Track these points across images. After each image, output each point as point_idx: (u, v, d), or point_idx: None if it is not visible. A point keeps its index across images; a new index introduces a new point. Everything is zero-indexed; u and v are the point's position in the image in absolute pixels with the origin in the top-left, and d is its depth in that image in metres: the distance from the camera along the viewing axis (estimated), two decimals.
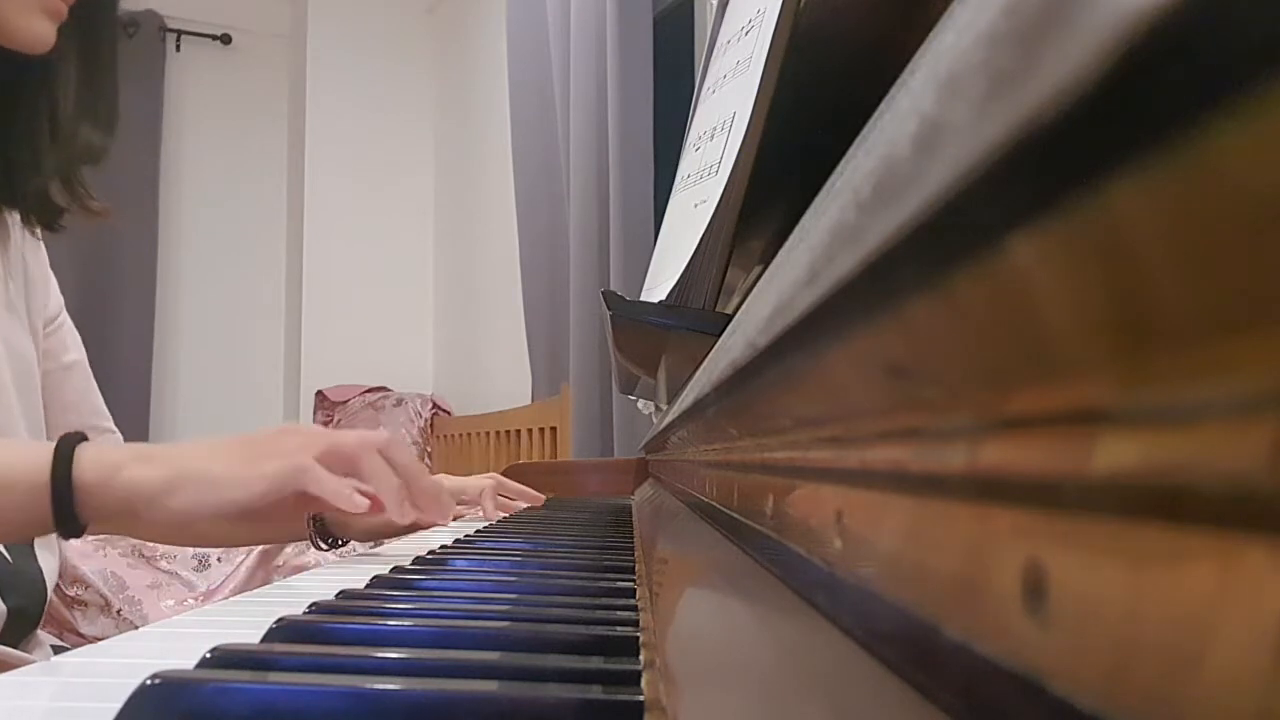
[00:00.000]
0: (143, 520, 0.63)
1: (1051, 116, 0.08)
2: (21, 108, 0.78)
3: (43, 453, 0.62)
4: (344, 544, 0.81)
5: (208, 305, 3.67)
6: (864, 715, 0.16)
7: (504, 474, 1.72)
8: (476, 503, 1.21)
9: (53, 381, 0.87)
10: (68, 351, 0.91)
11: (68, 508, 0.61)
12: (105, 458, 0.63)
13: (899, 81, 0.14)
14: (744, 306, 0.28)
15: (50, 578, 0.82)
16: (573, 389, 2.15)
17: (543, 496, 1.28)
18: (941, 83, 0.11)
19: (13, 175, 0.79)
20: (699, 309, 0.54)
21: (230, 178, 3.71)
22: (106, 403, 0.96)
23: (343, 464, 0.68)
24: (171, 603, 1.74)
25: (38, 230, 0.83)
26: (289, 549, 1.67)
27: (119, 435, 0.96)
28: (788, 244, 0.21)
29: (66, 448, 0.62)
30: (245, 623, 0.43)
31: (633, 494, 1.44)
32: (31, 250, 0.86)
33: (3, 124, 0.78)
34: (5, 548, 0.74)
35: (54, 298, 0.90)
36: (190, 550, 1.77)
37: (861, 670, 0.16)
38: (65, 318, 0.92)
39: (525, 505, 1.25)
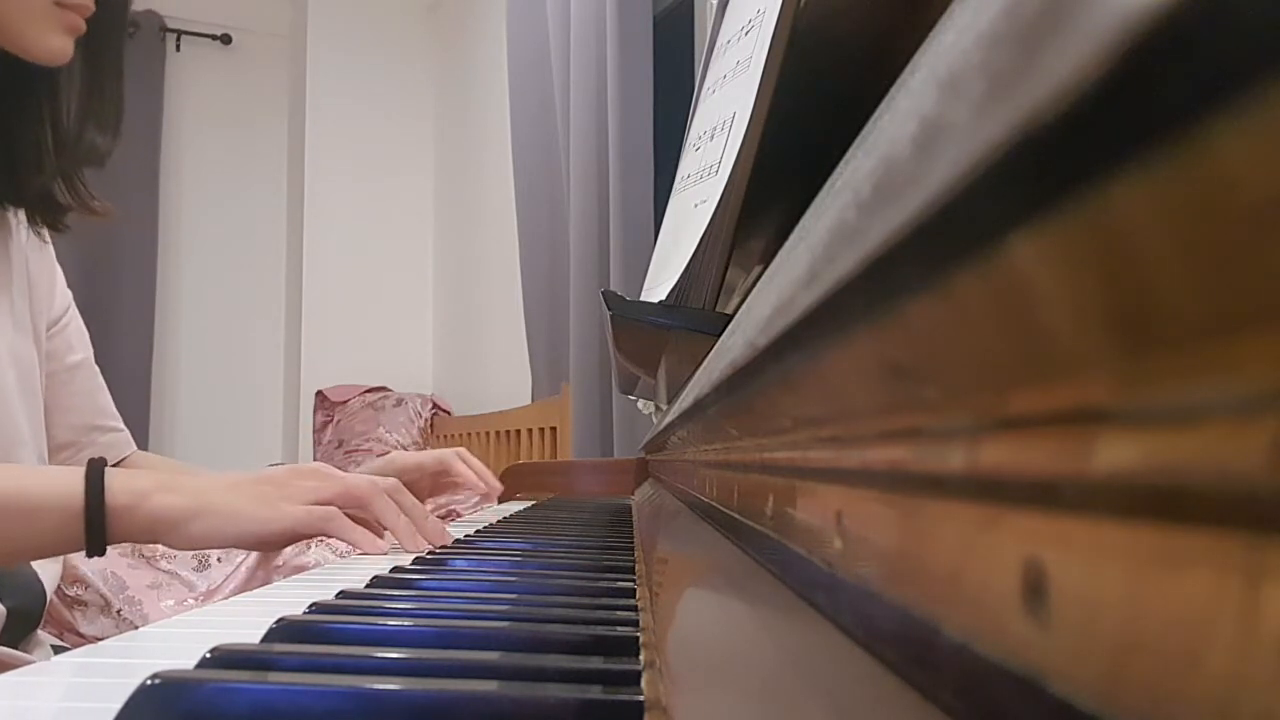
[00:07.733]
0: (165, 542, 0.69)
1: (1051, 117, 0.08)
2: (27, 109, 0.79)
3: (72, 479, 0.66)
4: None
5: (208, 305, 3.67)
6: (864, 715, 0.16)
7: (503, 474, 1.71)
8: (443, 472, 1.03)
9: (56, 383, 0.87)
10: (73, 352, 0.90)
11: (99, 531, 0.66)
12: (134, 485, 0.68)
13: (899, 81, 0.14)
14: (744, 306, 0.28)
15: (50, 583, 0.81)
16: (573, 389, 2.15)
17: (496, 488, 1.08)
18: (941, 83, 0.11)
19: (16, 175, 0.80)
20: (699, 309, 0.54)
21: (230, 178, 3.71)
22: None
23: (355, 504, 0.73)
24: (171, 603, 1.74)
25: (43, 231, 0.84)
26: (289, 549, 1.67)
27: (127, 434, 0.95)
28: (788, 244, 0.21)
29: (96, 475, 0.67)
30: (245, 623, 0.43)
31: (633, 494, 1.44)
32: (35, 249, 0.86)
33: (8, 125, 0.78)
34: None
35: (59, 297, 0.90)
36: (190, 550, 1.77)
37: (861, 670, 0.16)
38: (71, 318, 0.91)
39: (477, 491, 1.09)
